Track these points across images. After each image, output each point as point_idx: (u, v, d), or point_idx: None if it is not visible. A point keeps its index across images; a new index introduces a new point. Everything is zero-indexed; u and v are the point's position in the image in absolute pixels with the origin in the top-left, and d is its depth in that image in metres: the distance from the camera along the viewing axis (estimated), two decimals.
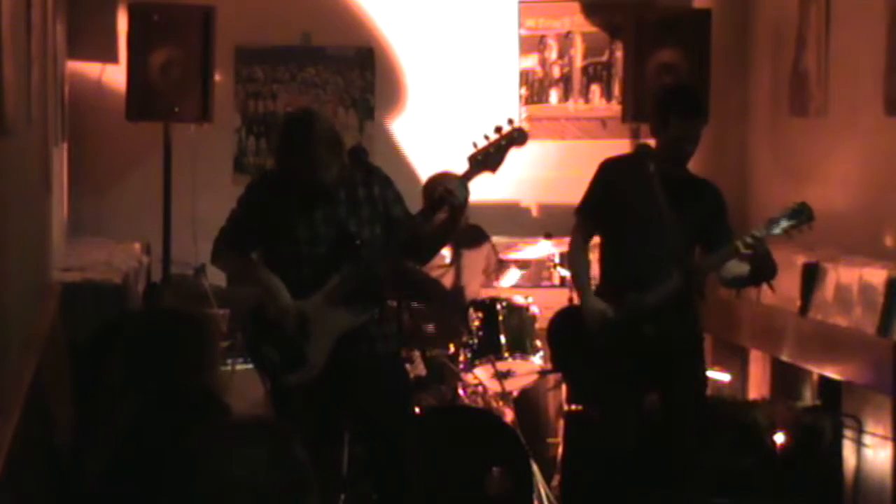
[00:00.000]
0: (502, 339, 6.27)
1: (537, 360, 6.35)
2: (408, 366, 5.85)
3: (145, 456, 3.18)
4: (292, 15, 7.83)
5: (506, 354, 6.27)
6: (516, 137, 4.77)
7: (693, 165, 5.32)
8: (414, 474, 4.97)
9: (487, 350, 6.24)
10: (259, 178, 5.41)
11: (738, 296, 6.74)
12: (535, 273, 7.72)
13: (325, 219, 4.84)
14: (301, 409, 4.76)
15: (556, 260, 6.90)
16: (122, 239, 7.15)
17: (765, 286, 5.56)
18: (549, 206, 7.81)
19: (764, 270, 5.10)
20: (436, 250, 5.16)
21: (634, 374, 5.22)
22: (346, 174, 4.87)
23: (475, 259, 6.72)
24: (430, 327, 6.30)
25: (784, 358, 6.51)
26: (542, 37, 8.08)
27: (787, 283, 6.12)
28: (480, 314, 6.30)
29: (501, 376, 6.23)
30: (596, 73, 8.10)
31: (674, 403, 5.28)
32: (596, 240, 5.42)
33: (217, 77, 7.21)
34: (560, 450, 6.30)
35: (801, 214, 4.99)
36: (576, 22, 8.07)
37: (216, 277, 6.15)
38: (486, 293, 6.61)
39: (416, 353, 6.12)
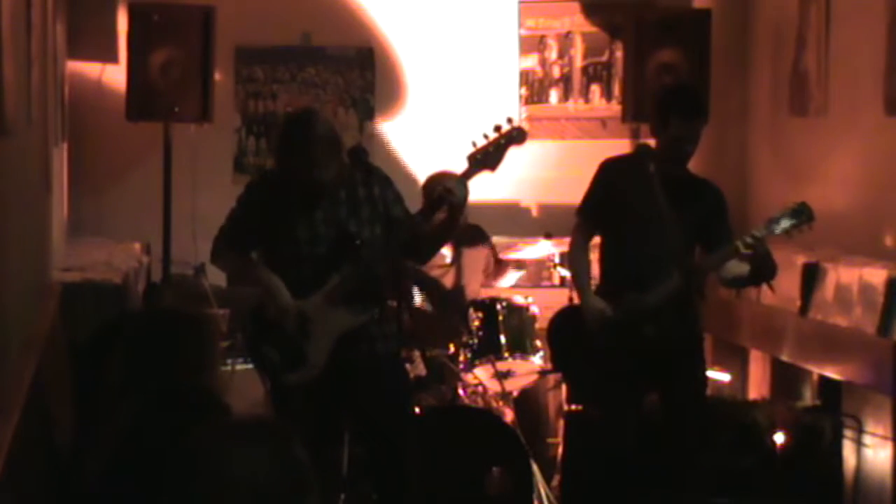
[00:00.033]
0: (502, 339, 6.27)
1: (537, 360, 6.35)
2: (408, 366, 5.85)
3: (145, 456, 3.18)
4: (292, 15, 7.83)
5: (506, 354, 6.27)
6: (515, 136, 4.78)
7: (693, 165, 5.32)
8: (414, 474, 4.97)
9: (487, 350, 6.25)
10: (259, 178, 5.41)
11: (738, 296, 6.74)
12: (535, 273, 7.72)
13: (325, 219, 4.84)
14: (301, 409, 4.76)
15: (556, 260, 6.89)
16: (122, 239, 7.15)
17: (765, 286, 5.56)
18: (549, 206, 7.81)
19: (764, 270, 5.10)
20: (435, 250, 5.16)
21: (634, 374, 5.22)
22: (346, 174, 4.87)
23: (475, 259, 6.72)
24: (429, 328, 6.30)
25: (784, 358, 6.51)
26: (542, 37, 8.08)
27: (787, 283, 6.12)
28: (480, 314, 6.30)
29: (501, 376, 6.23)
30: (596, 73, 8.10)
31: (674, 403, 5.28)
32: (596, 240, 5.42)
33: (217, 77, 7.21)
34: (560, 450, 6.30)
35: (802, 214, 4.99)
36: (576, 22, 8.07)
37: (216, 277, 6.14)
38: (486, 293, 6.61)
39: (416, 353, 6.12)
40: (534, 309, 6.42)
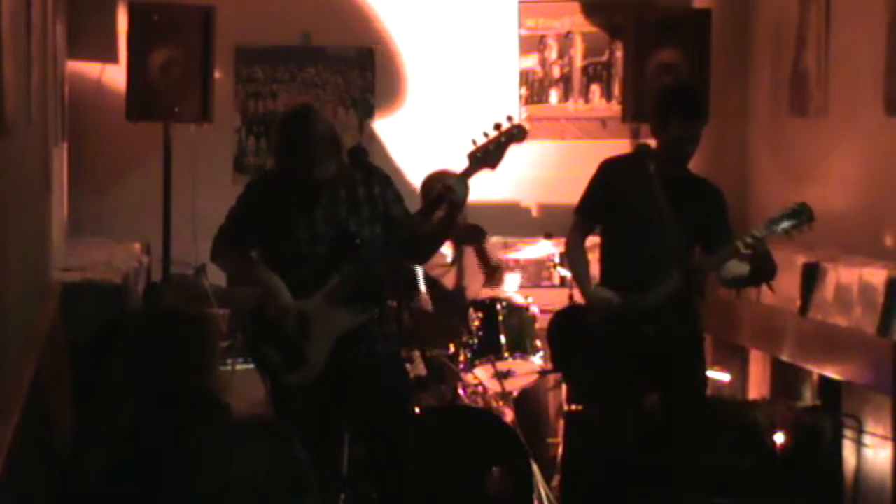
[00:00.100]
0: (502, 339, 6.27)
1: (537, 360, 6.35)
2: (408, 366, 5.85)
3: (145, 456, 3.18)
4: (292, 15, 7.82)
5: (506, 354, 6.27)
6: (516, 134, 4.78)
7: (693, 165, 5.32)
8: (414, 474, 4.97)
9: (487, 350, 6.24)
10: (259, 178, 5.41)
11: (738, 296, 6.74)
12: (535, 273, 7.72)
13: (324, 218, 4.84)
14: (301, 409, 4.75)
15: (556, 260, 6.89)
16: (122, 239, 7.14)
17: (765, 286, 5.56)
18: (549, 206, 7.81)
19: (764, 271, 5.10)
20: (434, 249, 5.16)
21: (634, 374, 5.22)
22: (346, 173, 4.87)
23: (475, 259, 6.72)
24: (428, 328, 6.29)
25: (784, 358, 6.51)
26: (542, 37, 8.08)
27: (787, 283, 6.12)
28: (480, 314, 6.30)
29: (501, 376, 6.23)
30: (596, 73, 8.10)
31: (674, 403, 5.28)
32: (596, 240, 5.42)
33: (217, 77, 7.21)
34: (560, 450, 6.31)
35: (802, 214, 4.99)
36: (576, 22, 8.06)
37: (216, 277, 6.14)
38: (486, 293, 6.61)
39: (416, 353, 6.12)
40: (534, 309, 6.42)
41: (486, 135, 4.76)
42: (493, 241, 6.94)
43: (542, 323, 6.37)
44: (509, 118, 4.81)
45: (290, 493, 2.32)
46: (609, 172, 5.34)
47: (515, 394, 6.39)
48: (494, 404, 6.26)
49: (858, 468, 5.95)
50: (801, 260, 6.24)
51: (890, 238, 6.04)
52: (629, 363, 5.19)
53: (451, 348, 6.30)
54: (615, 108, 7.85)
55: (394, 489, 4.91)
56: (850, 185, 6.39)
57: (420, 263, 5.80)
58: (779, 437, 5.97)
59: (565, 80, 8.09)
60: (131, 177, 7.60)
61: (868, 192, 6.26)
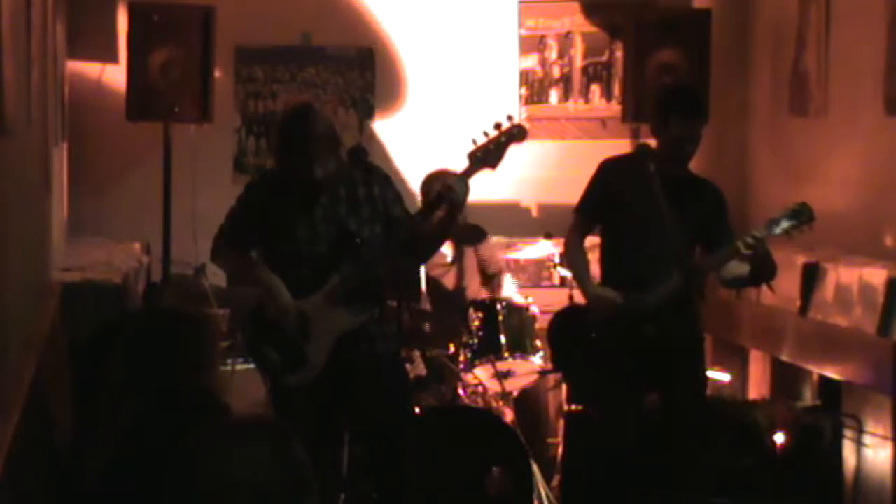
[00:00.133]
0: (502, 339, 6.27)
1: (537, 360, 6.35)
2: (408, 366, 5.85)
3: (145, 456, 3.18)
4: (292, 15, 7.82)
5: (506, 354, 6.27)
6: (516, 134, 4.78)
7: (693, 165, 5.32)
8: (414, 474, 4.97)
9: (487, 350, 6.24)
10: (259, 178, 5.41)
11: (738, 296, 6.74)
12: (535, 273, 7.72)
13: (324, 218, 4.83)
14: (301, 409, 4.75)
15: (556, 260, 6.89)
16: (122, 239, 7.15)
17: (765, 286, 5.56)
18: (549, 206, 7.81)
19: (764, 271, 5.10)
20: (434, 249, 5.16)
21: (634, 374, 5.22)
22: (346, 172, 4.87)
23: (476, 259, 6.72)
24: (429, 327, 6.29)
25: (784, 358, 6.51)
26: (542, 37, 8.08)
27: (787, 283, 6.12)
28: (480, 314, 6.30)
29: (501, 376, 6.23)
30: (596, 73, 8.10)
31: (674, 403, 5.28)
32: (595, 240, 5.42)
33: (217, 77, 7.21)
34: (560, 450, 6.31)
35: (802, 215, 4.99)
36: (576, 22, 8.06)
37: (216, 277, 6.15)
38: (486, 293, 6.61)
39: (416, 353, 6.12)
40: (534, 309, 6.42)
41: (486, 134, 4.76)
42: (494, 240, 6.93)
43: (542, 323, 6.37)
44: (509, 118, 4.81)
45: (290, 493, 2.32)
46: (609, 172, 5.34)
47: (515, 394, 6.39)
48: (494, 404, 6.26)
49: (858, 468, 5.95)
50: (801, 260, 6.23)
51: (890, 238, 6.04)
52: (629, 363, 5.19)
53: (451, 348, 6.30)
54: (615, 108, 7.85)
55: (394, 489, 4.91)
56: (850, 185, 6.39)
57: (420, 263, 5.80)
58: (779, 437, 5.97)
59: (565, 80, 8.09)
60: (131, 177, 7.61)
61: (868, 192, 6.26)
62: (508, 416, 6.19)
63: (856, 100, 6.36)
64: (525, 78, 8.08)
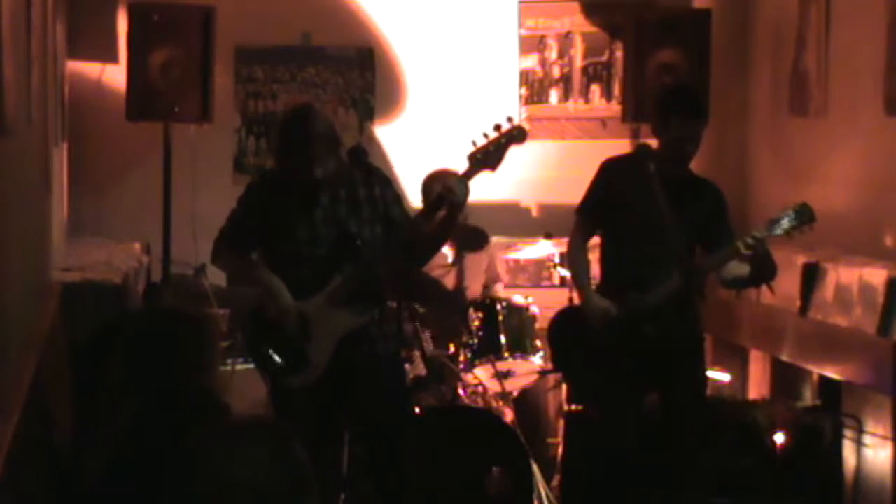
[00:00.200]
0: (502, 339, 6.27)
1: (537, 360, 6.35)
2: (408, 366, 5.85)
3: (145, 456, 3.18)
4: (292, 15, 7.82)
5: (506, 354, 6.27)
6: (516, 135, 4.77)
7: (693, 165, 5.32)
8: (414, 474, 4.97)
9: (487, 350, 6.25)
10: (259, 178, 5.41)
11: (738, 296, 6.74)
12: (535, 273, 7.72)
13: (325, 219, 4.83)
14: (301, 409, 4.76)
15: (556, 260, 6.89)
16: (122, 239, 7.15)
17: (765, 287, 5.56)
18: (549, 206, 7.81)
19: (764, 271, 5.10)
20: (435, 250, 5.16)
21: (634, 374, 5.22)
22: (346, 172, 4.87)
23: (477, 260, 6.72)
24: (429, 332, 6.28)
25: (784, 358, 6.51)
26: (542, 37, 8.08)
27: (787, 283, 6.12)
28: (480, 314, 6.30)
29: (501, 376, 6.23)
30: (596, 73, 8.10)
31: (674, 403, 5.28)
32: (596, 240, 5.42)
33: (217, 77, 7.21)
34: (560, 450, 6.31)
35: (802, 215, 4.99)
36: (576, 22, 8.06)
37: (216, 277, 6.14)
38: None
39: (416, 353, 6.12)
40: (534, 309, 6.42)
41: (486, 136, 4.76)
42: (494, 241, 6.93)
43: (542, 323, 6.37)
44: (509, 119, 4.80)
45: (290, 493, 2.32)
46: (610, 173, 5.34)
47: (515, 394, 6.39)
48: (494, 404, 6.26)
49: (858, 468, 5.95)
50: (801, 260, 6.23)
51: (890, 238, 6.04)
52: (629, 363, 5.19)
53: (451, 348, 6.30)
54: (615, 108, 7.85)
55: (394, 489, 4.91)
56: (850, 185, 6.39)
57: (420, 265, 5.80)
58: (779, 437, 5.97)
59: (565, 80, 8.09)
60: (131, 177, 7.60)
61: (868, 192, 6.26)
62: (508, 416, 6.19)
63: (856, 100, 6.36)
64: (525, 78, 8.07)
